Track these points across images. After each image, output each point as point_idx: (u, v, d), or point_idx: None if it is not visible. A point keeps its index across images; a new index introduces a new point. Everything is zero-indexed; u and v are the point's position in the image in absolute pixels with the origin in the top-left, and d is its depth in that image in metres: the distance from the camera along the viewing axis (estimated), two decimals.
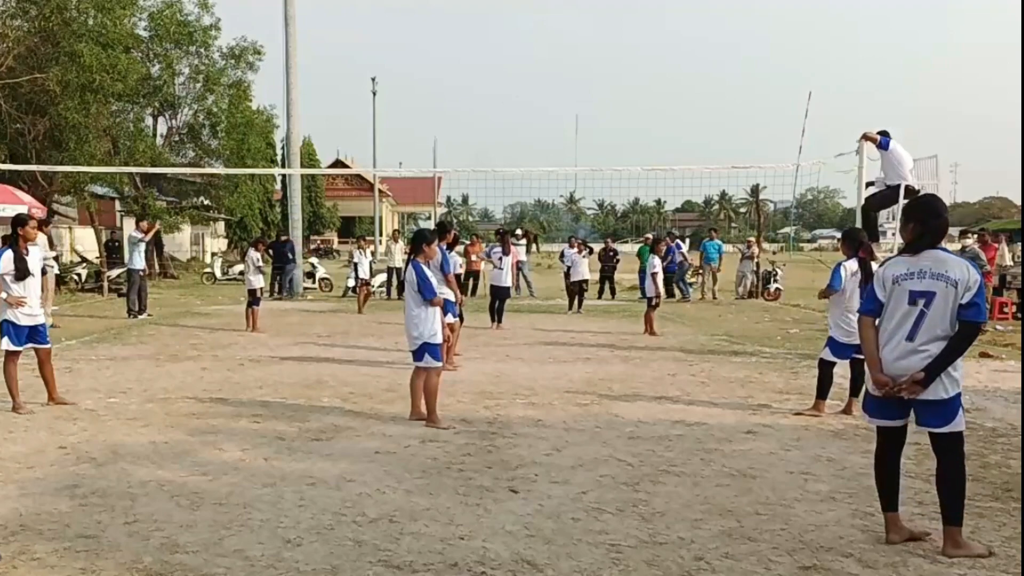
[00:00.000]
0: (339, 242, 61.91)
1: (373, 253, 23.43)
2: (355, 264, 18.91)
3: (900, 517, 4.32)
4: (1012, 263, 20.07)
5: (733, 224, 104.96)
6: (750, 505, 4.92)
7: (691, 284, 23.73)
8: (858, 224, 10.92)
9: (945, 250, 4.21)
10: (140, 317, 15.79)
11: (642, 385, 8.95)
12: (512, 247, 16.87)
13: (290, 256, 21.97)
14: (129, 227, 30.11)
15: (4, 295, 7.30)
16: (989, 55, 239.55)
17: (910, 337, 4.12)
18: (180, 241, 36.20)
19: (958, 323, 4.06)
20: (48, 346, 7.69)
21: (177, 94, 27.59)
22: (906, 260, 4.23)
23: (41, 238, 13.77)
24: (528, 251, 25.81)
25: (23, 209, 11.49)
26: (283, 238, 22.90)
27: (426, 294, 6.92)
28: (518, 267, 22.40)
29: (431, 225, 30.85)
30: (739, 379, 9.33)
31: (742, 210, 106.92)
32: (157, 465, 5.70)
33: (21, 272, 7.32)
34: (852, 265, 7.19)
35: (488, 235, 39.98)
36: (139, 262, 16.26)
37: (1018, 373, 9.57)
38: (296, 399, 8.05)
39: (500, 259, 15.14)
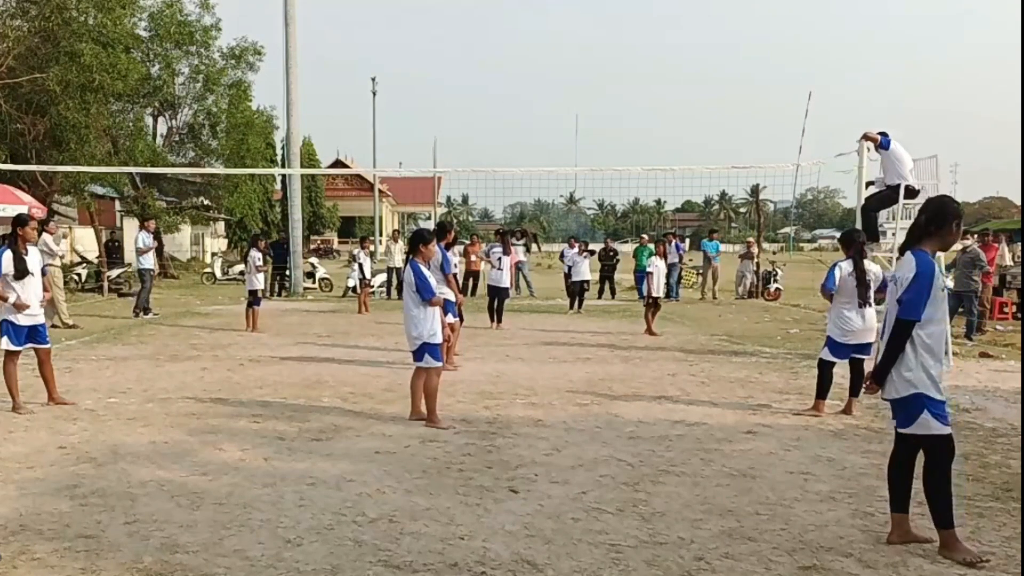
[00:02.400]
0: (339, 242, 61.89)
1: (372, 254, 23.42)
2: (359, 264, 18.95)
3: (907, 519, 4.31)
4: (1012, 263, 20.04)
5: (733, 224, 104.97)
6: (750, 505, 4.92)
7: (692, 285, 23.76)
8: (858, 224, 10.92)
9: (918, 251, 4.20)
10: (146, 317, 15.84)
11: (642, 385, 8.95)
12: (511, 247, 16.86)
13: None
14: (129, 227, 30.19)
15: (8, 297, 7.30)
16: (989, 55, 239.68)
17: (882, 335, 4.28)
18: (180, 241, 36.19)
19: None
20: (48, 346, 7.69)
21: (177, 94, 27.58)
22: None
23: (49, 238, 13.88)
24: (528, 250, 25.83)
25: (23, 209, 11.48)
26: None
27: (424, 294, 6.92)
28: (517, 267, 22.43)
29: (431, 225, 30.84)
30: (739, 379, 9.33)
31: (742, 210, 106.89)
32: (157, 465, 5.70)
33: (20, 272, 7.32)
34: (848, 265, 7.24)
35: (488, 235, 39.97)
36: (148, 261, 16.40)
37: (1018, 373, 9.57)
38: (296, 399, 8.05)
39: (499, 259, 15.14)
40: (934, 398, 4.10)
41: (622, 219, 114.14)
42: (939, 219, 4.21)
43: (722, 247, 24.40)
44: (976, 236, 16.62)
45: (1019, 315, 15.51)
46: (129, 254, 27.04)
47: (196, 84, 27.76)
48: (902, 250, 4.34)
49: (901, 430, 4.20)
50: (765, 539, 4.36)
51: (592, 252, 20.12)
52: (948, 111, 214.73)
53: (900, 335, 4.10)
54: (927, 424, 4.10)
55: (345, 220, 64.71)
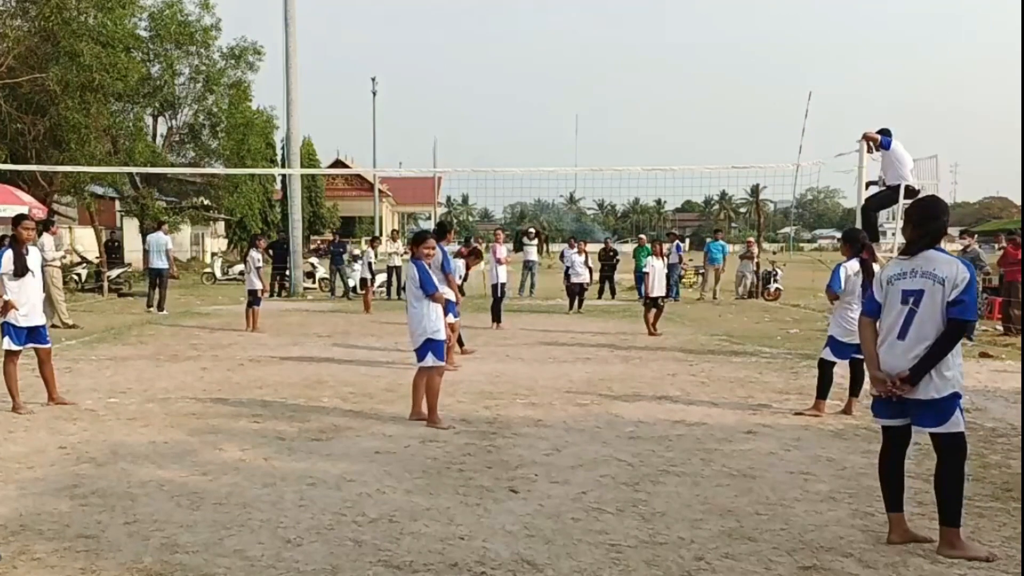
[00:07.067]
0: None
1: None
2: (365, 263, 19.02)
3: (904, 518, 4.32)
4: None
5: (733, 224, 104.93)
6: (750, 505, 4.92)
7: (691, 284, 23.76)
8: (858, 224, 10.92)
9: (941, 250, 4.22)
10: (161, 313, 16.35)
11: (642, 385, 8.95)
12: (502, 246, 16.85)
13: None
14: (129, 227, 30.23)
15: (6, 296, 7.31)
16: (989, 55, 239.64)
17: (901, 336, 4.17)
18: (180, 241, 36.15)
19: (946, 321, 4.08)
20: (48, 346, 7.69)
21: (177, 94, 27.55)
22: (901, 261, 4.31)
23: (49, 239, 13.91)
24: (540, 251, 25.87)
25: (23, 209, 11.51)
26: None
27: (427, 288, 6.93)
28: (527, 266, 22.47)
29: (431, 225, 30.82)
30: (739, 379, 9.33)
31: (742, 210, 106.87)
32: (157, 465, 5.70)
33: (20, 271, 7.33)
34: (853, 265, 7.21)
35: (488, 235, 39.95)
36: (162, 261, 17.10)
37: (1018, 373, 9.57)
38: (296, 399, 8.05)
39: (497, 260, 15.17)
40: (961, 395, 4.14)
41: (622, 219, 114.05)
42: (931, 219, 4.25)
43: (730, 248, 24.42)
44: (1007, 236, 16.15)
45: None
46: (130, 254, 27.11)
47: (196, 84, 27.73)
48: (916, 250, 4.21)
49: (931, 430, 4.13)
50: (765, 539, 4.36)
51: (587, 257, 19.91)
52: (948, 110, 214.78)
53: (957, 336, 4.07)
54: (958, 422, 4.10)
55: (345, 220, 64.62)
